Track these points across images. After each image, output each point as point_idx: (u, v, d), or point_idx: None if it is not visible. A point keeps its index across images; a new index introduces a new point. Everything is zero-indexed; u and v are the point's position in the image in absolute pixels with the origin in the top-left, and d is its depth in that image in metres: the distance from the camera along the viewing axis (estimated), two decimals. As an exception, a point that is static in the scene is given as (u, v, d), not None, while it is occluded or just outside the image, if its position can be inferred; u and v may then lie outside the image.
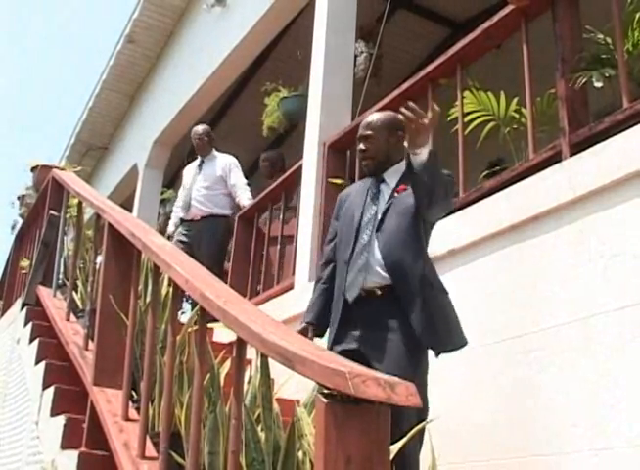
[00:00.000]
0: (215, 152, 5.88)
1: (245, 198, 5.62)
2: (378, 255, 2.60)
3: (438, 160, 2.43)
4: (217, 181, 5.68)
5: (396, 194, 2.66)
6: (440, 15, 7.27)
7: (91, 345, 3.13)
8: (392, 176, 2.70)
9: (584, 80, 2.85)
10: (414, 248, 2.57)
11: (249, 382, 2.51)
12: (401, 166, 2.63)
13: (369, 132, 2.73)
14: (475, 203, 3.13)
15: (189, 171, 5.95)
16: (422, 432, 2.34)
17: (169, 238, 5.61)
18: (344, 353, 2.21)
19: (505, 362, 2.74)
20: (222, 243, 5.62)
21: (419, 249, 2.57)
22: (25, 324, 4.29)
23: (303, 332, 2.74)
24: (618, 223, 2.45)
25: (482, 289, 2.93)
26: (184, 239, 5.58)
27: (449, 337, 2.50)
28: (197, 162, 5.91)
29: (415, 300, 2.49)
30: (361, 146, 2.75)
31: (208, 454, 2.17)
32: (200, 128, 5.92)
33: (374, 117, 2.78)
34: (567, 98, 2.90)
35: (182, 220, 5.71)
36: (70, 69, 41.56)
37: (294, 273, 4.48)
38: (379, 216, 2.66)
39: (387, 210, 2.66)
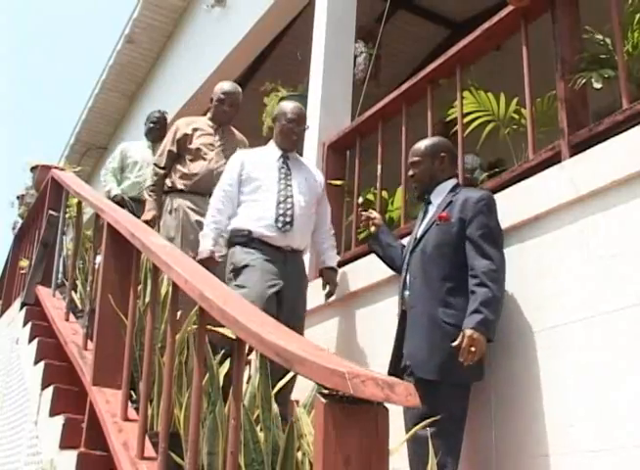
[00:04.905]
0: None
1: (334, 257, 3.67)
2: (407, 277, 2.84)
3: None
4: (314, 202, 3.58)
5: (438, 222, 2.79)
6: (440, 15, 7.28)
7: (90, 345, 3.13)
8: (438, 196, 2.89)
9: (584, 81, 2.84)
10: (427, 283, 2.73)
11: (248, 382, 2.50)
12: (447, 186, 2.86)
13: (416, 159, 2.94)
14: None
15: (264, 161, 3.56)
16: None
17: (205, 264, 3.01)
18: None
19: (505, 362, 2.73)
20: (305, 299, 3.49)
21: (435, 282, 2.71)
22: (25, 324, 4.29)
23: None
24: (619, 224, 2.45)
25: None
26: (273, 281, 3.22)
27: None
28: (274, 151, 3.61)
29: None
30: (410, 172, 2.97)
31: (207, 454, 2.17)
32: (299, 107, 3.68)
33: (421, 144, 2.98)
34: (566, 99, 2.90)
35: (252, 239, 3.34)
36: (70, 68, 41.57)
37: (293, 273, 4.47)
38: (417, 239, 2.85)
39: (423, 235, 2.83)
